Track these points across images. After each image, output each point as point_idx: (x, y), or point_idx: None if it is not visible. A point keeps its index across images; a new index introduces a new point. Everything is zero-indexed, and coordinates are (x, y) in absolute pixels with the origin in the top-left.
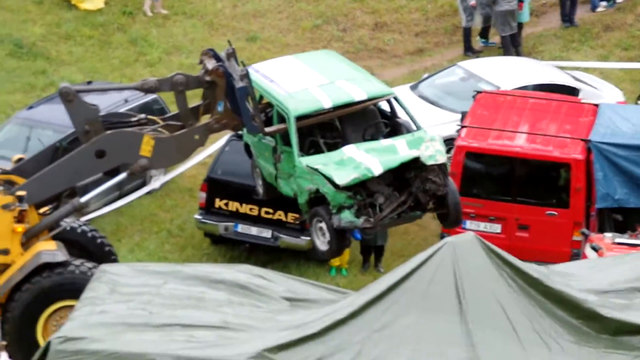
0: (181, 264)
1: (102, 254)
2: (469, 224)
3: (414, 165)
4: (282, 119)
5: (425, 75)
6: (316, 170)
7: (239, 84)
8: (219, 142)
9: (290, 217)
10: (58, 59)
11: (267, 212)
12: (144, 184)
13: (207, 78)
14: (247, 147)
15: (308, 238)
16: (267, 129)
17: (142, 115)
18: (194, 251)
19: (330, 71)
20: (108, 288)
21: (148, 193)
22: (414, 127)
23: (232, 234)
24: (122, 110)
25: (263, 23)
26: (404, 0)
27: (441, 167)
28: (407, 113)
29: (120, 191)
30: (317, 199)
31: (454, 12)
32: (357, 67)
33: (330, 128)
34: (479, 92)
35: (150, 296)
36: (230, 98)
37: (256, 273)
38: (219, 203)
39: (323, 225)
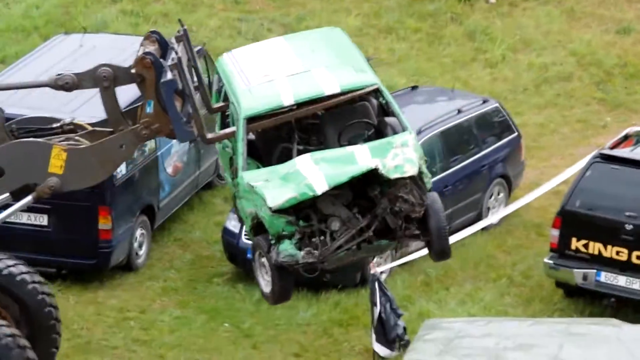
0: (534, 319)
1: (36, 306)
2: None
3: (379, 179)
4: None
5: None
6: (253, 188)
7: (166, 77)
8: (576, 164)
9: None
10: (375, 59)
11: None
12: (478, 218)
13: (133, 70)
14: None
15: None
16: (210, 135)
17: (67, 119)
18: (542, 305)
19: (315, 57)
20: (437, 349)
21: (484, 229)
22: (401, 129)
23: (593, 285)
24: (454, 122)
25: None
26: None
27: (415, 180)
28: (393, 110)
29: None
30: (259, 226)
31: None
32: (356, 51)
33: (316, 130)
34: None
35: None
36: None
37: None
38: (576, 244)
39: (265, 260)
